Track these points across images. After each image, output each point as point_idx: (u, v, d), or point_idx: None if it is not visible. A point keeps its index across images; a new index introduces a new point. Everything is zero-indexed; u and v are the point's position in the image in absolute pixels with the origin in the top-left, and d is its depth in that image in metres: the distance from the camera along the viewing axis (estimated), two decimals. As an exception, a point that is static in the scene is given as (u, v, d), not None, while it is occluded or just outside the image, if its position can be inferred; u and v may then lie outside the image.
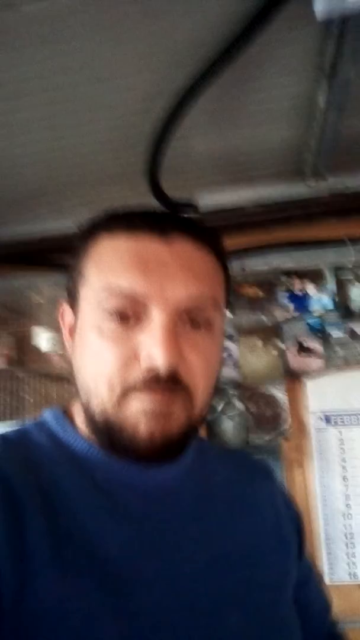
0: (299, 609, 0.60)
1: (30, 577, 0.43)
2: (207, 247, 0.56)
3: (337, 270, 1.77)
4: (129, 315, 0.51)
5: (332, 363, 1.70)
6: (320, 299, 1.75)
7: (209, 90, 1.16)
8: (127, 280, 0.51)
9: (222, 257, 0.59)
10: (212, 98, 1.22)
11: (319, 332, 1.73)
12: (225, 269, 0.60)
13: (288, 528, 0.63)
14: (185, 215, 0.61)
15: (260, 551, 0.58)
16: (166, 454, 0.52)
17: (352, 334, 1.72)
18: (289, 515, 0.65)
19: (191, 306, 0.52)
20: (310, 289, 1.77)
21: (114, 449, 0.53)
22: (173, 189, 1.55)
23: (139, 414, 0.50)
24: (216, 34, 1.04)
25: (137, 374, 0.50)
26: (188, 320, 0.53)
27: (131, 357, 0.50)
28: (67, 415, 0.59)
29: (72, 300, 0.57)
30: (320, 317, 1.74)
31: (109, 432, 0.52)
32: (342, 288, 1.76)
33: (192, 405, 0.53)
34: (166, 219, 0.56)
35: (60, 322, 0.60)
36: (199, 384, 0.53)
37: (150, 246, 0.53)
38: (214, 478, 0.61)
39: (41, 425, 0.58)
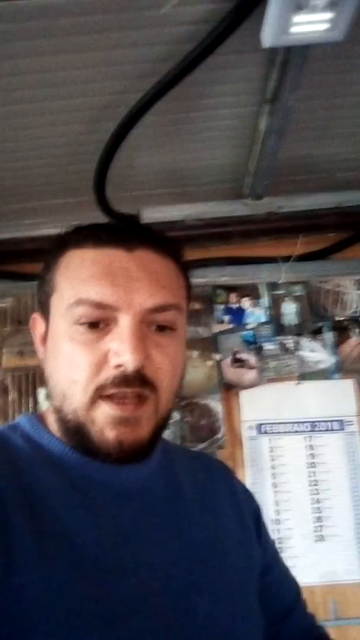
0: (265, 594, 0.65)
1: (12, 571, 0.46)
2: (169, 256, 0.61)
3: (271, 286, 1.86)
4: (98, 322, 0.55)
5: (265, 375, 1.77)
6: (254, 313, 1.83)
7: (156, 108, 1.20)
8: (95, 291, 0.55)
9: (183, 265, 0.64)
10: (159, 115, 1.27)
11: (253, 344, 1.80)
12: (186, 276, 0.65)
13: (249, 518, 0.68)
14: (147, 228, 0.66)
15: (226, 541, 0.62)
16: (135, 457, 0.56)
17: (284, 347, 1.81)
18: (249, 507, 0.71)
19: (156, 312, 0.56)
20: (246, 303, 1.85)
21: (85, 450, 0.56)
22: (119, 202, 1.58)
23: (108, 419, 0.54)
24: (168, 53, 1.10)
25: (107, 374, 0.54)
26: (152, 325, 0.57)
27: (102, 360, 0.54)
28: (41, 420, 0.62)
29: (43, 310, 0.62)
30: (254, 330, 1.82)
31: (80, 434, 0.55)
32: (275, 303, 1.85)
33: (158, 407, 0.57)
34: (131, 232, 0.61)
35: (32, 332, 0.64)
36: (165, 382, 0.57)
37: (116, 258, 0.57)
38: (180, 476, 0.66)
39: (16, 429, 0.61)
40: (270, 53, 1.10)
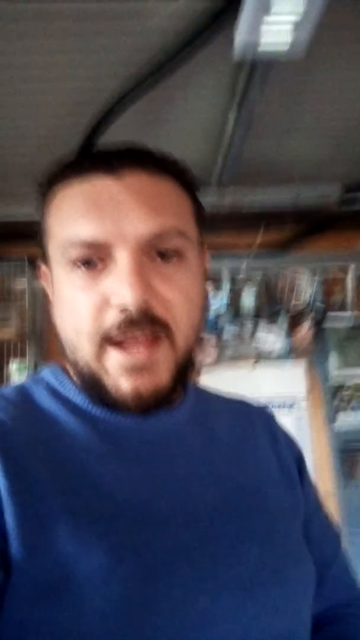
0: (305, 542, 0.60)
1: (40, 530, 0.44)
2: (167, 177, 0.53)
3: (233, 276, 1.99)
4: (95, 262, 0.50)
5: (224, 357, 1.90)
6: (216, 300, 1.96)
7: (134, 106, 1.30)
8: (84, 228, 0.49)
9: (188, 186, 0.56)
10: (137, 112, 1.36)
11: (214, 329, 1.93)
12: (194, 198, 0.57)
13: (291, 465, 0.64)
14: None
15: (269, 487, 0.58)
16: (156, 406, 0.51)
17: (242, 332, 1.95)
18: (292, 453, 0.66)
19: (154, 239, 0.49)
20: (209, 290, 1.97)
21: (103, 403, 0.52)
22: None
23: (120, 368, 0.49)
24: (146, 55, 1.19)
25: (111, 318, 0.49)
26: (156, 255, 0.50)
27: (103, 303, 0.49)
28: (65, 371, 0.58)
29: (45, 258, 0.56)
30: (216, 316, 1.95)
31: (96, 387, 0.51)
32: (235, 291, 1.98)
33: (176, 346, 0.51)
34: (118, 155, 0.53)
35: (44, 284, 0.59)
36: (178, 317, 0.50)
37: (103, 187, 0.51)
38: (216, 421, 0.61)
39: (40, 381, 0.58)
40: (239, 63, 1.21)
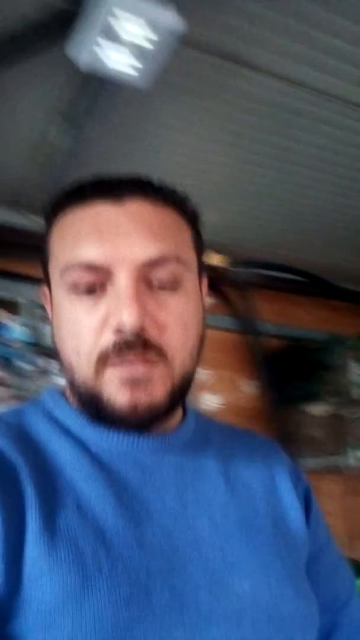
0: (312, 584, 0.57)
1: (17, 549, 0.44)
2: (168, 205, 0.55)
3: (35, 305, 1.83)
4: (94, 286, 0.51)
5: (20, 393, 1.71)
6: (14, 330, 1.77)
7: None
8: (84, 252, 0.51)
9: (189, 215, 0.58)
10: None
11: (9, 361, 1.73)
12: (194, 228, 0.58)
13: (296, 499, 0.62)
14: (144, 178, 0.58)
15: (266, 520, 0.57)
16: (150, 421, 0.51)
17: (42, 367, 1.78)
18: (298, 487, 0.64)
19: (152, 264, 0.51)
20: (5, 318, 1.78)
21: (101, 420, 0.53)
22: None
23: (117, 383, 0.50)
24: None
25: (107, 339, 0.50)
26: (153, 282, 0.52)
27: (102, 325, 0.50)
28: (64, 393, 0.59)
29: (47, 281, 0.57)
30: (12, 347, 1.75)
31: (93, 405, 0.52)
32: (36, 323, 1.83)
33: (171, 369, 0.52)
34: (119, 183, 0.55)
35: (46, 306, 0.60)
36: (173, 342, 0.51)
37: (103, 212, 0.52)
38: (213, 450, 0.61)
39: (37, 404, 0.59)
40: (73, 75, 1.14)
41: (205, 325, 0.58)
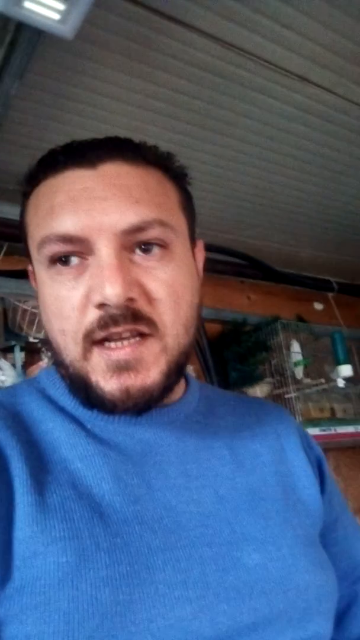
0: (328, 553, 0.55)
1: (9, 528, 0.43)
2: (150, 166, 0.51)
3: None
4: (74, 258, 0.48)
5: None
6: None
7: None
8: (59, 223, 0.47)
9: (175, 175, 0.54)
10: None
11: None
12: (181, 188, 0.55)
13: (309, 466, 0.60)
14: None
15: (277, 489, 0.55)
16: (146, 405, 0.49)
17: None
18: (311, 454, 0.63)
19: (134, 232, 0.48)
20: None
21: (92, 405, 0.50)
22: None
23: (104, 367, 0.47)
24: None
25: (91, 316, 0.47)
26: (137, 247, 0.48)
27: (84, 302, 0.47)
28: (59, 371, 0.56)
29: (29, 258, 0.55)
30: None
31: (82, 389, 0.49)
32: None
33: (164, 344, 0.49)
34: (94, 146, 0.51)
35: (33, 285, 0.57)
36: (164, 312, 0.48)
37: (77, 179, 0.49)
38: (218, 419, 0.59)
39: (32, 383, 0.58)
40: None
41: (199, 295, 0.55)
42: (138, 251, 0.49)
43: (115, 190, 0.48)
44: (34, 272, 0.54)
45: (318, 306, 2.59)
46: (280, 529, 0.51)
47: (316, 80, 1.36)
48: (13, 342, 1.92)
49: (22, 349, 1.93)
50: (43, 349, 1.99)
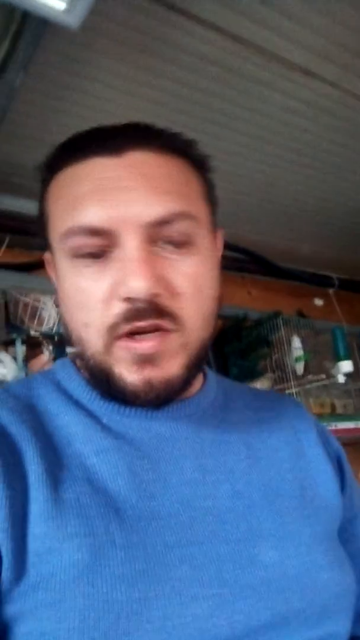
0: (347, 550, 0.55)
1: (23, 524, 0.42)
2: (174, 155, 0.50)
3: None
4: (99, 251, 0.47)
5: None
6: None
7: None
8: (85, 215, 0.46)
9: (197, 165, 0.53)
10: None
11: None
12: (204, 177, 0.54)
13: (328, 461, 0.59)
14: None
15: (295, 484, 0.54)
16: (167, 398, 0.49)
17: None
18: (329, 449, 0.62)
19: (161, 225, 0.47)
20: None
21: (114, 397, 0.51)
22: None
23: (127, 360, 0.47)
24: None
25: (117, 309, 0.46)
26: (164, 241, 0.48)
27: (110, 295, 0.47)
28: (75, 362, 0.57)
29: (48, 248, 0.54)
30: None
31: (105, 381, 0.49)
32: None
33: (188, 340, 0.48)
34: (118, 132, 0.50)
35: (50, 273, 0.56)
36: (188, 307, 0.48)
37: (101, 167, 0.48)
38: (236, 414, 0.58)
39: (47, 374, 0.57)
40: (3, 17, 1.06)
41: (220, 287, 0.55)
42: (163, 244, 0.48)
43: (141, 179, 0.47)
44: (53, 263, 0.53)
45: (319, 302, 2.59)
46: (297, 526, 0.51)
47: (320, 73, 1.36)
48: (14, 335, 1.92)
49: (23, 342, 1.93)
50: (44, 342, 1.99)
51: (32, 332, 1.94)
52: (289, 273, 2.38)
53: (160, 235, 0.48)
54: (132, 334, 0.47)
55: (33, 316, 1.96)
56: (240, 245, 2.11)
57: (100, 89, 1.32)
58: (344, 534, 0.57)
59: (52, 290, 1.86)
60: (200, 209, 0.51)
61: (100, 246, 0.47)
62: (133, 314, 0.46)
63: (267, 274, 2.34)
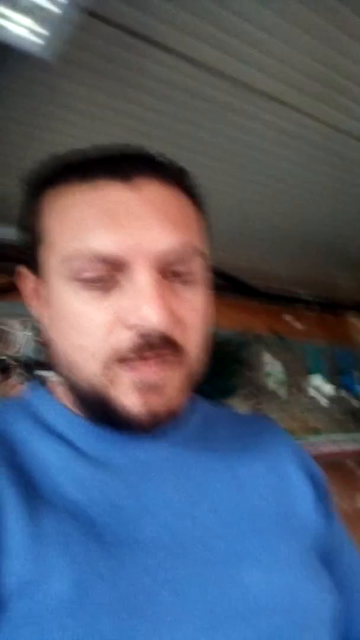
0: (336, 578, 0.54)
1: (4, 554, 0.40)
2: (178, 188, 0.50)
3: None
4: (106, 278, 0.46)
5: None
6: None
7: None
8: (95, 241, 0.45)
9: (195, 196, 0.53)
10: None
11: None
12: (200, 209, 0.53)
13: (306, 485, 0.58)
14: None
15: (273, 507, 0.54)
16: (167, 425, 0.48)
17: None
18: (309, 474, 0.61)
19: (173, 259, 0.46)
20: None
21: (109, 423, 0.48)
22: None
23: (131, 388, 0.46)
24: None
25: (126, 340, 0.45)
26: (173, 276, 0.47)
27: (115, 323, 0.45)
28: (50, 389, 0.55)
29: (31, 263, 0.51)
30: None
31: (99, 407, 0.47)
32: None
33: (188, 369, 0.48)
34: (127, 160, 0.49)
35: (20, 286, 0.53)
36: (193, 341, 0.48)
37: (112, 192, 0.46)
38: (219, 439, 0.57)
39: (20, 402, 0.54)
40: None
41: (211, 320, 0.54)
42: (173, 278, 0.47)
43: (152, 208, 0.47)
44: (41, 281, 0.51)
45: (290, 319, 2.62)
46: (279, 547, 0.50)
47: (292, 102, 1.37)
48: (-18, 361, 1.86)
49: (-9, 368, 1.87)
50: (11, 366, 1.94)
51: (1, 356, 1.89)
52: (261, 291, 2.40)
53: (169, 267, 0.47)
54: (133, 361, 0.46)
55: (0, 341, 1.91)
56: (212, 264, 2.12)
57: (74, 116, 1.30)
58: (328, 557, 0.58)
59: (19, 314, 1.81)
60: (202, 242, 0.51)
61: (105, 271, 0.46)
62: (143, 346, 0.45)
63: (238, 292, 2.35)
